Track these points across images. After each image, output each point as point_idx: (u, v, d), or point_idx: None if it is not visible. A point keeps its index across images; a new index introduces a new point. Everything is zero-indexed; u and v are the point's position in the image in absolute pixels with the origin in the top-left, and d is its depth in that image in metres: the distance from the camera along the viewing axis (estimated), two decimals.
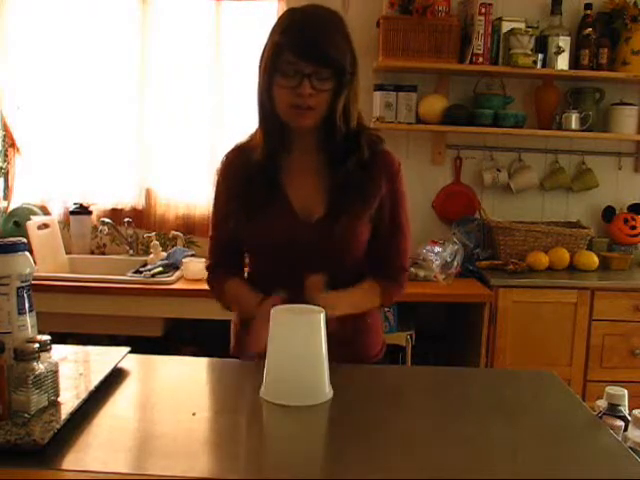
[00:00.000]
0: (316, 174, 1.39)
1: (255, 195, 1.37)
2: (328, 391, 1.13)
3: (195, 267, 2.63)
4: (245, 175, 1.38)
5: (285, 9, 3.20)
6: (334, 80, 1.28)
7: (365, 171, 1.36)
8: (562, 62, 2.84)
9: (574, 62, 2.89)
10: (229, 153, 1.47)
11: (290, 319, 1.13)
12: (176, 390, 1.21)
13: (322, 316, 1.13)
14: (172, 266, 2.78)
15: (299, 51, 1.25)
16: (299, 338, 1.11)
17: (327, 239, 1.34)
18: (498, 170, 3.06)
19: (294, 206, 1.37)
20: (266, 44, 1.33)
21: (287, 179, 1.39)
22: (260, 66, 1.33)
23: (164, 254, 2.90)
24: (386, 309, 2.61)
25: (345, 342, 1.30)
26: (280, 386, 1.12)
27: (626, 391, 1.14)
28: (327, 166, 1.38)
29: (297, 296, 1.21)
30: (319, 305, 1.18)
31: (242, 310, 1.45)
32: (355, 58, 1.32)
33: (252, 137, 1.43)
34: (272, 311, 1.13)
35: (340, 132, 1.33)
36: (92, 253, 3.12)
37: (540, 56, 2.84)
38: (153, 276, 2.66)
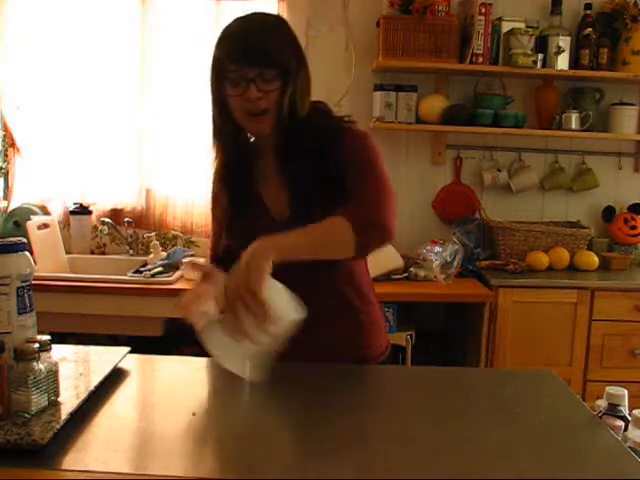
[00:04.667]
0: (279, 173, 1.37)
1: (233, 195, 1.40)
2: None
3: None
4: (224, 175, 1.42)
5: (285, 9, 3.18)
6: (280, 79, 1.27)
7: (324, 158, 1.31)
8: (562, 62, 2.84)
9: (574, 62, 2.89)
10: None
11: None
12: (176, 390, 1.21)
13: None
14: (172, 266, 2.78)
15: (236, 58, 1.25)
16: None
17: None
18: (498, 170, 3.07)
19: (267, 206, 1.38)
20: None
21: (260, 179, 1.40)
22: (209, 85, 1.36)
23: (164, 254, 2.90)
24: (386, 309, 2.61)
25: (348, 343, 1.29)
26: None
27: (626, 391, 1.14)
28: (285, 163, 1.36)
29: None
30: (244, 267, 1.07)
31: None
32: (299, 53, 1.31)
33: None
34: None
35: (283, 124, 1.30)
36: (92, 253, 3.12)
37: (540, 56, 2.84)
38: (153, 276, 2.66)
